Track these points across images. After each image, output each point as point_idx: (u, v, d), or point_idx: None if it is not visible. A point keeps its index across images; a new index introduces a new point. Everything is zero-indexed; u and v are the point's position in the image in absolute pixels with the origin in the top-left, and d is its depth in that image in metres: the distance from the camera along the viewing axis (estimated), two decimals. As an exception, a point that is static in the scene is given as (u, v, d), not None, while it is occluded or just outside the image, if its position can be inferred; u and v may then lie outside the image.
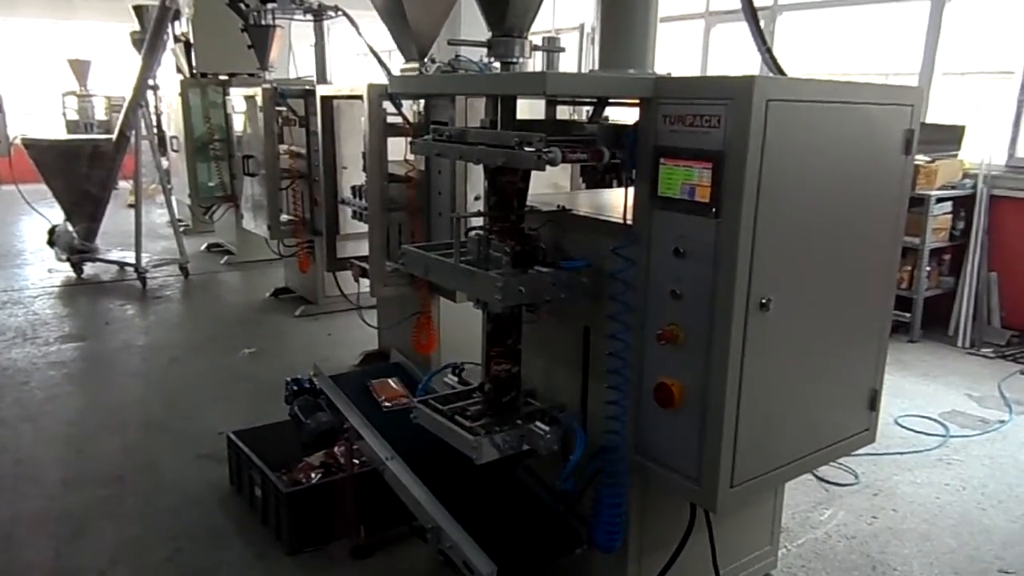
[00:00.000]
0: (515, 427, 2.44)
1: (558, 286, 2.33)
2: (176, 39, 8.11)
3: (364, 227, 4.30)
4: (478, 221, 2.52)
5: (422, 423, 2.57)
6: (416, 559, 3.12)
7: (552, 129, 2.40)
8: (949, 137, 6.30)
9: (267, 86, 5.95)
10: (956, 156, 6.33)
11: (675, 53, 8.78)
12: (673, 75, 2.29)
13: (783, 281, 2.10)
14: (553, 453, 2.44)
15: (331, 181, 4.92)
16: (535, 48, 2.89)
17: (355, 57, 13.12)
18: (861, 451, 2.77)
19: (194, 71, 7.91)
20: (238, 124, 7.05)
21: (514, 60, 2.64)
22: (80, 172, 7.63)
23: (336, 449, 3.46)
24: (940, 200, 6.12)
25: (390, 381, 3.53)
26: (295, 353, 5.66)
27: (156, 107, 9.39)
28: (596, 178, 3.52)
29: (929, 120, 6.25)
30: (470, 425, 2.42)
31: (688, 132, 2.03)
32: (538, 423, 2.46)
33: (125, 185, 10.09)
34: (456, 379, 2.80)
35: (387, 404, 3.33)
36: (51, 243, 8.06)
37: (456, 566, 2.52)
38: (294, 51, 8.95)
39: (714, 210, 1.99)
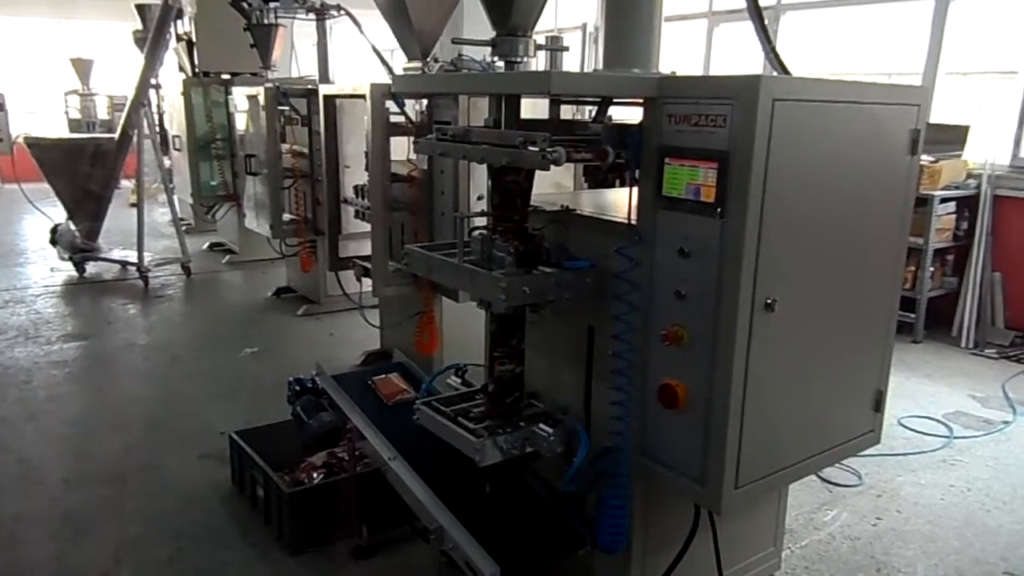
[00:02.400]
0: (518, 429, 2.43)
1: (562, 286, 2.32)
2: (179, 38, 8.11)
3: (366, 226, 4.29)
4: (481, 221, 2.51)
5: (425, 425, 2.57)
6: (418, 560, 3.11)
7: (556, 129, 2.39)
8: (953, 137, 6.28)
9: (269, 85, 5.95)
10: (960, 156, 6.32)
11: (678, 53, 8.77)
12: (677, 74, 2.28)
13: (788, 282, 2.09)
14: (556, 455, 2.43)
15: (333, 180, 4.91)
16: (539, 47, 2.88)
17: (357, 56, 13.12)
18: (864, 452, 2.76)
19: (196, 70, 7.91)
20: (240, 123, 7.04)
21: (518, 59, 2.63)
22: (82, 171, 7.64)
23: (338, 449, 3.45)
24: (944, 200, 6.11)
25: (391, 377, 3.55)
26: (297, 353, 5.66)
27: (158, 106, 9.40)
28: (599, 178, 3.51)
29: (933, 120, 6.23)
30: (473, 427, 2.41)
31: (693, 132, 2.02)
32: (541, 425, 2.44)
33: (127, 184, 10.08)
34: (459, 380, 2.79)
35: (389, 401, 3.36)
36: (53, 242, 8.06)
37: (459, 567, 2.51)
38: (296, 50, 8.98)
39: (719, 210, 1.98)
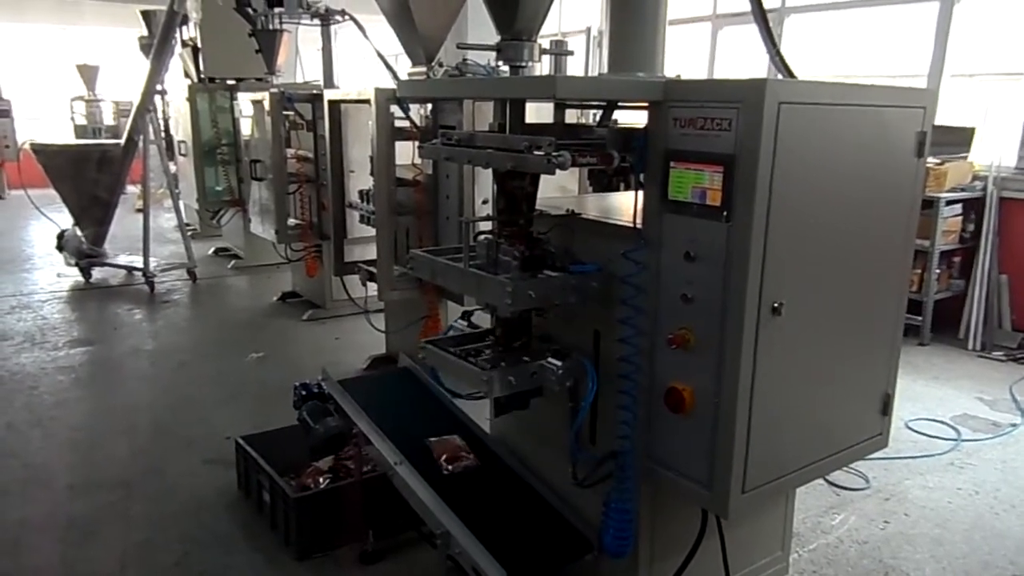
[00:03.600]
0: (526, 364, 2.42)
1: (568, 290, 2.32)
2: (184, 44, 8.14)
3: (372, 231, 4.30)
4: (486, 225, 2.51)
5: (432, 364, 2.55)
6: (425, 565, 3.10)
7: (561, 133, 2.39)
8: (958, 139, 6.27)
9: (274, 90, 5.97)
10: (966, 158, 6.30)
11: (682, 56, 8.76)
12: (683, 78, 2.28)
13: (795, 285, 2.09)
14: (564, 389, 2.41)
15: (338, 185, 4.93)
16: (543, 51, 2.88)
17: (362, 61, 13.14)
18: (872, 455, 2.74)
19: (202, 76, 7.94)
20: (246, 128, 7.07)
21: (523, 64, 2.63)
22: (88, 177, 7.66)
23: (344, 454, 3.45)
24: (950, 202, 6.09)
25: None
26: (303, 357, 5.66)
27: (164, 112, 9.43)
28: (604, 182, 3.50)
29: (938, 122, 6.21)
30: (480, 360, 2.41)
31: (699, 135, 2.02)
32: (550, 359, 2.43)
33: (133, 190, 10.12)
34: (465, 323, 2.78)
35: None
36: (60, 248, 8.08)
37: (465, 572, 2.50)
38: (301, 55, 8.97)
39: (725, 213, 1.98)
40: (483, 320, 2.74)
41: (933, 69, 6.49)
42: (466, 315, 2.82)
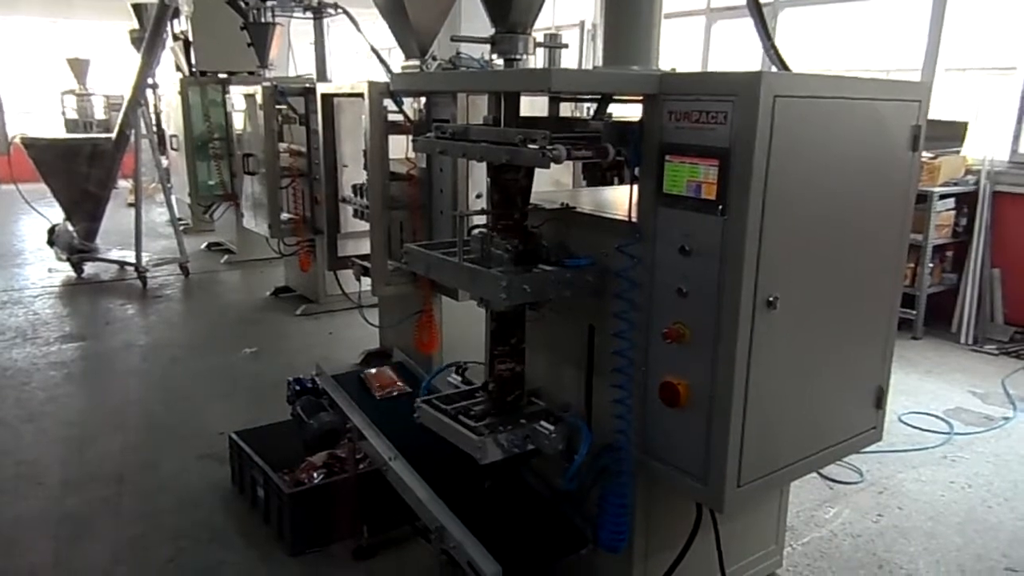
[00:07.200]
0: (519, 426, 2.42)
1: (562, 284, 2.31)
2: (175, 37, 8.09)
3: (365, 225, 4.28)
4: (481, 219, 2.50)
5: (425, 423, 2.56)
6: (419, 560, 3.10)
7: (555, 126, 2.38)
8: (952, 133, 6.28)
9: (267, 84, 5.94)
10: (959, 152, 6.31)
11: (676, 50, 8.76)
12: (678, 71, 2.27)
13: (790, 279, 2.08)
14: (557, 453, 2.42)
15: (332, 179, 4.90)
16: (538, 45, 2.87)
17: (355, 55, 13.09)
18: (866, 449, 2.75)
19: (193, 69, 7.89)
20: (238, 122, 7.03)
21: (518, 57, 2.62)
22: (80, 171, 7.61)
23: (338, 449, 3.44)
24: (943, 197, 6.11)
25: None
26: (296, 352, 5.65)
27: (156, 106, 9.38)
28: (598, 175, 3.50)
29: (931, 116, 6.22)
30: (474, 425, 2.41)
31: (694, 129, 2.01)
32: (543, 422, 2.44)
33: (125, 184, 10.06)
34: (460, 378, 2.78)
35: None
36: (51, 242, 8.04)
37: (460, 566, 2.50)
38: (294, 49, 8.94)
39: (720, 207, 1.97)
40: (477, 374, 2.74)
41: (926, 63, 6.50)
42: (460, 368, 2.81)
